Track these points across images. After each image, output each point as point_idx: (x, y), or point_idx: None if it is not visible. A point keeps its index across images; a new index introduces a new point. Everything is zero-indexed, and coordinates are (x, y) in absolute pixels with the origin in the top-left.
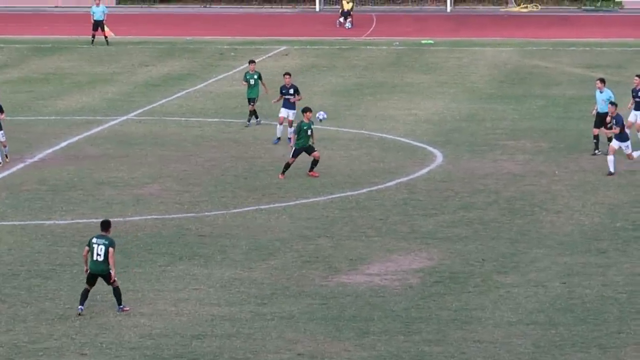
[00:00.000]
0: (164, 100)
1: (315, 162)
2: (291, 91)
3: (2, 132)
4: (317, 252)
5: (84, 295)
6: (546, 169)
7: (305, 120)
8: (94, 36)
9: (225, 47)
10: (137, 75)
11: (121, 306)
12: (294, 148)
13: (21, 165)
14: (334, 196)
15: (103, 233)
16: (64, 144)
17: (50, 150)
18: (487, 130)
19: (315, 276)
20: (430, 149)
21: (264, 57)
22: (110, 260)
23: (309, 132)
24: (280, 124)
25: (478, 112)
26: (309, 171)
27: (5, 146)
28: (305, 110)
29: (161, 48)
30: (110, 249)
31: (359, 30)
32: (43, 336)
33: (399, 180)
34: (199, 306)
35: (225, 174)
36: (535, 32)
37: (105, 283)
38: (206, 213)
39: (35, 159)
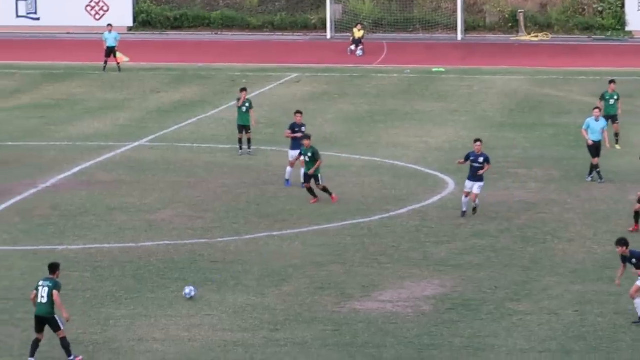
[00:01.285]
0: (175, 127)
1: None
2: (303, 129)
3: None
4: (330, 278)
5: (34, 346)
6: (558, 197)
7: (305, 147)
8: (106, 62)
9: (236, 74)
10: (149, 101)
11: (72, 357)
12: (303, 173)
13: (34, 190)
14: (346, 223)
15: (50, 276)
16: (76, 169)
17: (62, 176)
18: (498, 158)
19: (327, 302)
20: (442, 176)
21: (275, 85)
22: (57, 303)
23: (307, 159)
24: (292, 167)
25: (489, 140)
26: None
27: None
28: (305, 137)
29: (173, 75)
30: (55, 292)
31: (370, 58)
32: None
33: (411, 208)
34: (212, 332)
35: (237, 200)
36: (545, 61)
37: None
38: (219, 239)
39: (48, 184)
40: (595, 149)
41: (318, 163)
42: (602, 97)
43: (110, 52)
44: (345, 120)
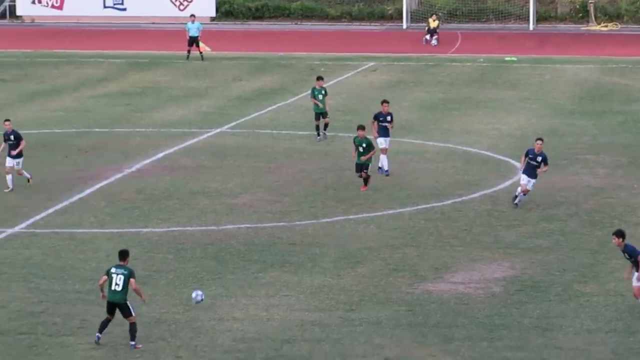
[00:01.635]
0: (256, 114)
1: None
2: (388, 118)
3: (20, 159)
4: (404, 260)
5: (104, 325)
6: (625, 182)
7: (359, 137)
8: (189, 52)
9: (315, 62)
10: (231, 89)
11: (133, 343)
12: (355, 163)
13: (119, 175)
14: (419, 207)
15: (121, 263)
16: (160, 155)
17: (147, 161)
18: (568, 144)
19: (401, 284)
20: (513, 162)
21: (353, 73)
22: (136, 290)
23: (361, 149)
24: (383, 153)
25: (559, 127)
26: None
27: (20, 174)
28: (359, 127)
29: (254, 63)
30: (132, 280)
31: (445, 47)
32: (140, 339)
33: (482, 192)
34: (290, 312)
35: (315, 184)
36: (614, 50)
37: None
38: (297, 222)
39: (133, 169)
40: None
41: (372, 152)
42: None
43: (193, 41)
44: (420, 108)
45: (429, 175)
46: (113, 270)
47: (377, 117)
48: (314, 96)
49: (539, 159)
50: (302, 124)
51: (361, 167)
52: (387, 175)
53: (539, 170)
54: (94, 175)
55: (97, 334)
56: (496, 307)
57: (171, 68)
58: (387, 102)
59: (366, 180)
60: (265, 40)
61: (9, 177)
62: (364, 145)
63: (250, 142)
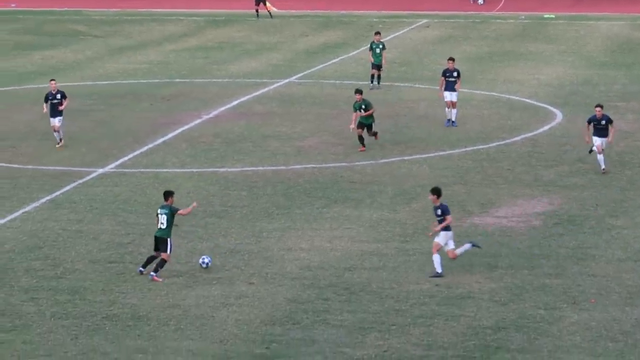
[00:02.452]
0: (321, 66)
1: (374, 134)
2: (455, 74)
3: (60, 117)
4: (453, 197)
5: (149, 260)
6: None
7: (358, 101)
8: (257, 10)
9: (374, 19)
10: (298, 44)
11: (154, 274)
12: (359, 122)
13: (198, 120)
14: (467, 149)
15: (165, 203)
16: (235, 102)
17: (223, 108)
18: (600, 93)
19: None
20: (551, 108)
21: (408, 29)
22: (183, 213)
23: (362, 111)
24: (448, 107)
25: (593, 78)
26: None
27: (57, 131)
28: (356, 91)
29: (319, 21)
30: (175, 213)
31: (490, 6)
32: (217, 267)
33: (524, 136)
34: (351, 243)
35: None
36: None
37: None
38: (357, 163)
39: (211, 115)
40: None
41: (371, 111)
42: None
43: (260, 1)
44: (468, 60)
45: (475, 120)
46: (159, 211)
47: (444, 74)
48: (371, 49)
49: (603, 122)
50: (362, 74)
51: (363, 126)
52: (455, 126)
53: (610, 131)
54: (176, 120)
55: (140, 268)
56: (536, 238)
57: (244, 25)
58: (453, 60)
59: (375, 134)
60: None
61: (56, 134)
62: (364, 107)
63: (315, 91)
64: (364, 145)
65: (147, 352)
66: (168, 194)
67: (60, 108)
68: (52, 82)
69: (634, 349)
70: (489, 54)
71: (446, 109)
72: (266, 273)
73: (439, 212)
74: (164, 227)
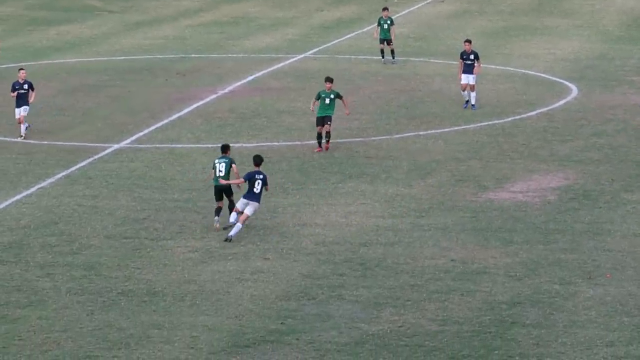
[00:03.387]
0: (336, 41)
1: (327, 135)
2: (472, 57)
3: (26, 107)
4: (468, 172)
5: (218, 211)
6: None
7: (326, 90)
8: None
9: None
10: (313, 19)
11: (232, 220)
12: (317, 116)
13: (214, 96)
14: (483, 124)
15: (223, 154)
16: (250, 77)
17: (238, 83)
18: (616, 67)
19: (466, 193)
20: (567, 83)
21: (423, 4)
22: (235, 173)
23: (327, 101)
24: (464, 90)
25: (608, 52)
26: (326, 143)
27: (21, 122)
28: (326, 80)
29: None
30: (233, 165)
31: None
32: (232, 243)
33: (539, 111)
34: (366, 218)
35: (389, 104)
36: None
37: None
38: (372, 138)
39: (226, 90)
40: None
41: (344, 101)
42: None
43: None
44: (483, 35)
45: (491, 95)
46: (216, 161)
47: (462, 56)
48: (379, 24)
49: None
50: (377, 50)
51: (323, 120)
52: (474, 109)
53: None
54: (191, 96)
55: (216, 217)
56: (551, 213)
57: (260, 0)
58: (469, 42)
59: (328, 135)
60: None
61: (21, 126)
62: (332, 96)
63: (330, 66)
64: (321, 146)
65: (162, 327)
66: (226, 147)
67: (31, 101)
68: (22, 71)
69: None
70: (505, 28)
71: (463, 91)
72: (281, 248)
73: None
74: (222, 174)
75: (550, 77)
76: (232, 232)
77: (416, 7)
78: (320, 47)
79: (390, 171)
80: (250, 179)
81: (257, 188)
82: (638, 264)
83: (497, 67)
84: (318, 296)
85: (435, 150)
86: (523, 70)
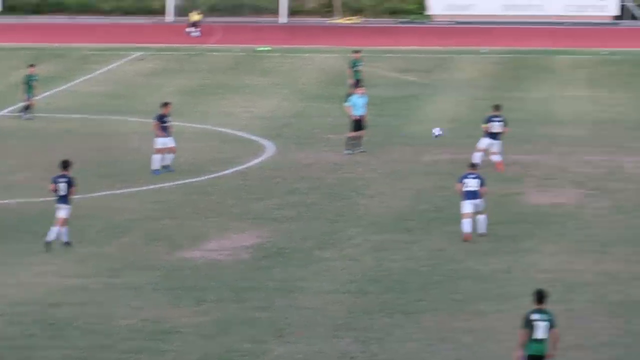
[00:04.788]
0: (34, 98)
1: None
2: (170, 119)
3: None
4: (163, 231)
5: None
6: (362, 159)
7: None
8: None
9: (88, 52)
10: (10, 77)
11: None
12: None
13: None
14: (178, 182)
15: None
16: None
17: None
18: (313, 125)
19: (160, 252)
20: (263, 141)
21: (122, 62)
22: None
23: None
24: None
25: (305, 110)
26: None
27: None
28: (165, 104)
29: (32, 53)
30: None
31: (205, 39)
32: None
33: (235, 169)
34: (57, 278)
35: (85, 163)
36: (357, 41)
37: None
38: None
39: None
40: (358, 123)
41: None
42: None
43: None
44: (182, 93)
45: (187, 153)
46: None
47: (159, 119)
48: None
49: None
50: (74, 107)
51: None
52: (171, 170)
53: None
54: None
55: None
56: (244, 271)
57: None
58: (168, 104)
59: None
60: (43, 32)
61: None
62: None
63: (27, 124)
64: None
65: None
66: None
67: None
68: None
69: None
70: (202, 86)
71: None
72: None
73: None
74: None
75: (247, 136)
76: None
77: (115, 64)
78: (16, 105)
79: (84, 231)
80: None
81: None
82: (329, 321)
83: (195, 125)
84: (5, 358)
85: (130, 209)
86: (220, 129)
